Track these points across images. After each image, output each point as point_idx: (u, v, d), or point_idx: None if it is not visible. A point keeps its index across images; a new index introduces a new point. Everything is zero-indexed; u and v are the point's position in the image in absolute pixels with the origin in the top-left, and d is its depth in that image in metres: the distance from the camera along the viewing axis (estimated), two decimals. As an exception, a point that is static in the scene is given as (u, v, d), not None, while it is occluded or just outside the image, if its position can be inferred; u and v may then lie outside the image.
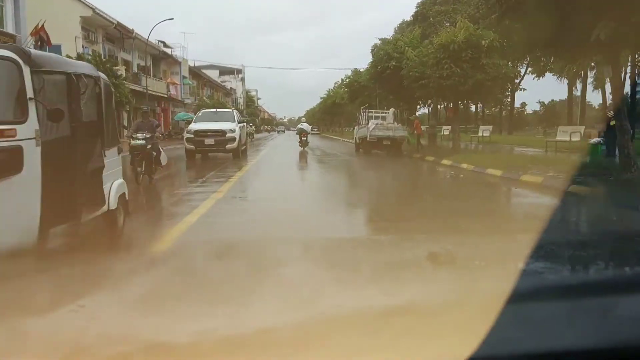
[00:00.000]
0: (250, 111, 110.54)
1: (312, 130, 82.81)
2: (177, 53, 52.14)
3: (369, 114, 23.07)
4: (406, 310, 0.80)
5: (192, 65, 62.20)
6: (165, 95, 45.35)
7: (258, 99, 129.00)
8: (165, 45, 50.72)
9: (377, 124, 20.97)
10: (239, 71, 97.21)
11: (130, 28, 38.65)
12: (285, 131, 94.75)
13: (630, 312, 0.77)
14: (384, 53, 25.23)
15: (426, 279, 1.07)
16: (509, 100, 54.56)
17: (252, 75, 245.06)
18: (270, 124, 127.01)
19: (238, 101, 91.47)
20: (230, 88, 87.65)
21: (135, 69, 40.88)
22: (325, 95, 65.96)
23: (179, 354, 0.66)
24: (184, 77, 52.70)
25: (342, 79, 71.90)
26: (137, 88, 38.79)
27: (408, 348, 0.66)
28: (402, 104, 28.53)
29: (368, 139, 20.56)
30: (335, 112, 60.39)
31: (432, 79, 18.12)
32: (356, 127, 24.18)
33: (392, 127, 20.94)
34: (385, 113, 23.62)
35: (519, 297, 0.75)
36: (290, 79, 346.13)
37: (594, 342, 0.69)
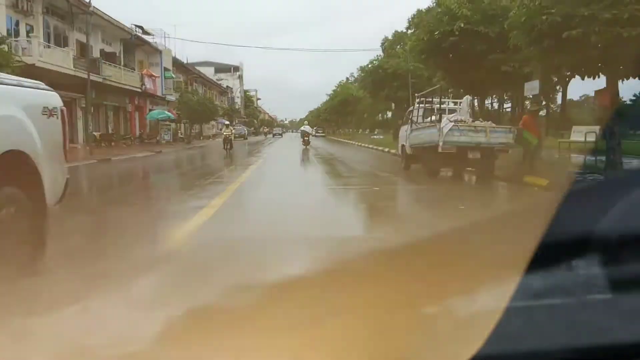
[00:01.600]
0: (249, 112, 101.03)
1: (317, 132, 73.48)
2: (158, 41, 42.53)
3: (432, 105, 13.36)
4: (409, 309, 0.78)
5: (181, 59, 52.71)
6: (139, 90, 35.72)
7: (258, 99, 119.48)
8: (144, 32, 41.10)
9: (455, 121, 11.30)
10: (236, 68, 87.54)
11: (86, 1, 29.08)
12: (283, 134, 78.61)
13: (634, 309, 0.75)
14: (446, 10, 15.50)
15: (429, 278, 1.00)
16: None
17: (253, 77, 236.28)
18: (271, 125, 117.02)
19: (235, 101, 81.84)
20: (227, 86, 77.91)
21: (95, 54, 31.22)
22: (332, 93, 56.13)
23: (183, 355, 0.65)
24: (166, 70, 43.08)
25: (352, 75, 61.93)
26: (95, 78, 29.17)
27: (411, 347, 0.66)
28: (463, 91, 18.54)
29: (441, 150, 10.92)
30: (345, 111, 50.52)
31: (596, 25, 8.43)
32: (404, 129, 14.34)
33: (485, 128, 11.25)
34: (455, 104, 13.85)
35: (523, 295, 0.74)
36: (292, 81, 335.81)
37: (598, 341, 0.68)
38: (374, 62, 28.47)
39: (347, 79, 61.76)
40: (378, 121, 78.37)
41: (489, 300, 0.78)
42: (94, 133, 29.86)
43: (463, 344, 0.63)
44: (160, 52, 41.78)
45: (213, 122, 57.11)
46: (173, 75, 44.26)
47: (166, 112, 34.81)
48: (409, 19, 65.72)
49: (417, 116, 13.41)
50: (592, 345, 0.67)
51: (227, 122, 25.27)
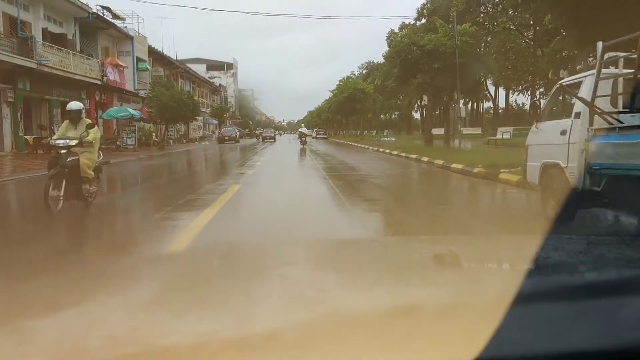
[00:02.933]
0: (245, 112, 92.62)
1: (317, 134, 65.28)
2: (129, 26, 34.37)
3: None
4: (412, 312, 0.78)
5: (170, 55, 44.45)
6: (99, 82, 27.60)
7: (255, 99, 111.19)
8: (114, 16, 32.99)
9: None
10: (230, 66, 79.33)
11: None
12: (276, 137, 61.41)
13: (637, 313, 0.75)
14: None
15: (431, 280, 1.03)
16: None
17: (250, 78, 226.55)
18: (268, 127, 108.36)
19: (228, 100, 73.62)
20: (219, 85, 69.67)
21: (35, 34, 23.05)
22: (336, 89, 47.90)
23: (184, 356, 0.64)
24: (140, 60, 34.96)
25: (352, 73, 53.42)
26: (26, 63, 21.07)
27: (413, 349, 0.65)
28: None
29: None
30: (353, 108, 42.24)
31: None
32: (551, 130, 6.16)
33: None
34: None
35: (524, 298, 0.73)
36: (290, 83, 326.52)
37: (601, 344, 0.67)
38: (404, 37, 20.06)
39: (348, 77, 53.39)
40: (382, 121, 70.48)
41: (490, 304, 0.76)
42: (25, 137, 21.75)
43: (464, 347, 0.62)
44: (131, 38, 33.59)
45: (199, 123, 48.97)
46: (149, 67, 36.11)
47: (130, 109, 26.62)
48: (417, 9, 58.06)
49: (621, 95, 5.27)
50: (593, 349, 0.65)
51: (79, 106, 7.37)
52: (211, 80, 65.89)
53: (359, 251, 1.36)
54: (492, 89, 51.26)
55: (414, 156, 18.82)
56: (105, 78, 28.21)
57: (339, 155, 22.66)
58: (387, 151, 23.72)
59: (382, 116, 68.31)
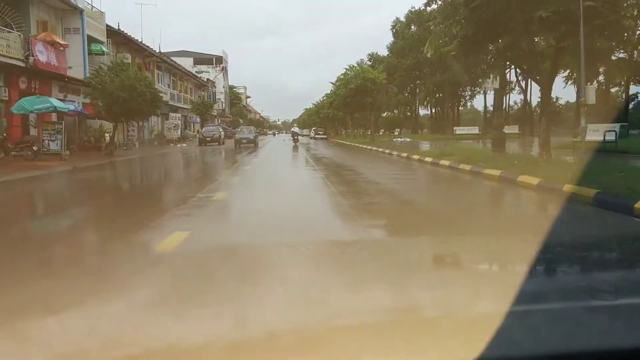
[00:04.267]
0: (236, 111, 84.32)
1: (317, 134, 57.31)
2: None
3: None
4: (412, 313, 0.78)
5: (154, 47, 36.17)
6: (21, 63, 19.51)
7: (247, 97, 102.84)
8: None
9: None
10: (219, 60, 70.98)
11: None
12: (271, 137, 54.31)
13: (635, 315, 0.74)
14: None
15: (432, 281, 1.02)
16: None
17: (245, 77, 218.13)
18: (262, 126, 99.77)
19: (217, 97, 65.36)
20: (207, 80, 61.44)
21: None
22: (338, 81, 39.70)
23: (184, 357, 0.64)
24: (95, 41, 26.88)
25: (351, 69, 44.35)
26: None
27: (414, 349, 0.65)
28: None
29: None
30: (359, 103, 33.98)
31: None
32: None
33: None
34: None
35: (524, 300, 0.74)
36: (285, 83, 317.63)
37: (601, 344, 0.67)
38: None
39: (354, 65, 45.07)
40: (386, 118, 62.31)
41: (490, 305, 0.75)
42: None
43: (465, 347, 0.61)
44: (80, 11, 25.44)
45: (176, 121, 40.77)
46: (105, 50, 27.91)
47: (54, 100, 18.51)
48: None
49: None
50: (593, 349, 0.65)
51: None
52: (199, 75, 57.77)
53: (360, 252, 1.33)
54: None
55: (494, 173, 10.86)
56: (32, 59, 20.09)
57: (361, 169, 14.57)
58: (428, 160, 15.73)
59: (386, 113, 60.08)
